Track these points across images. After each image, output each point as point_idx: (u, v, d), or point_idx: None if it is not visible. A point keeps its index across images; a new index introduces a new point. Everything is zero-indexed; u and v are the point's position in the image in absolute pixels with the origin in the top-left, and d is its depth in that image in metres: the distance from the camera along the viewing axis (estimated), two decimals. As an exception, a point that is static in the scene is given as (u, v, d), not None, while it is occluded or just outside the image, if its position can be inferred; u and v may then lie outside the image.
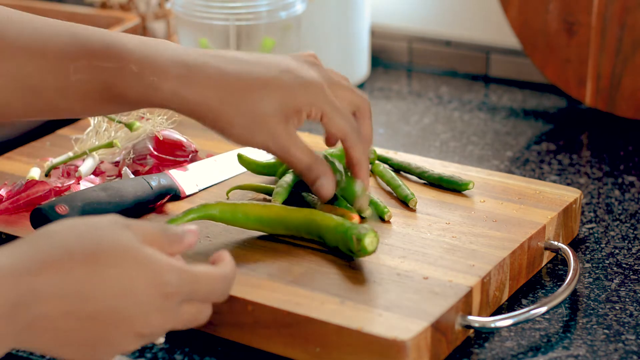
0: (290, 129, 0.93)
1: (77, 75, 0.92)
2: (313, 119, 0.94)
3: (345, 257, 0.95)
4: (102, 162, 1.10)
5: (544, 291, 0.99)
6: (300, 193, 1.03)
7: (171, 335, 0.91)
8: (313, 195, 1.04)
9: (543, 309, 0.91)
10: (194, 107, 0.92)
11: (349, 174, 0.98)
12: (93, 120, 1.11)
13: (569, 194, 1.05)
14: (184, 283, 0.76)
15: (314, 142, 1.17)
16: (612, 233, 1.09)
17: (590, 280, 1.00)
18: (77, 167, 1.09)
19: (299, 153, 0.94)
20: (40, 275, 0.72)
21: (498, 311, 0.95)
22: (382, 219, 1.01)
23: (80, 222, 0.76)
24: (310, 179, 0.95)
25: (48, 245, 0.74)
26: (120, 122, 1.10)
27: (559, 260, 1.03)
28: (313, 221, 0.96)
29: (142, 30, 1.53)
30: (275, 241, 0.98)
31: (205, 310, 0.80)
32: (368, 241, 0.91)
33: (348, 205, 1.02)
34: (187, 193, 1.06)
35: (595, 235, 1.08)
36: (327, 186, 0.95)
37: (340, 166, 0.98)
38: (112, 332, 0.74)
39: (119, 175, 1.08)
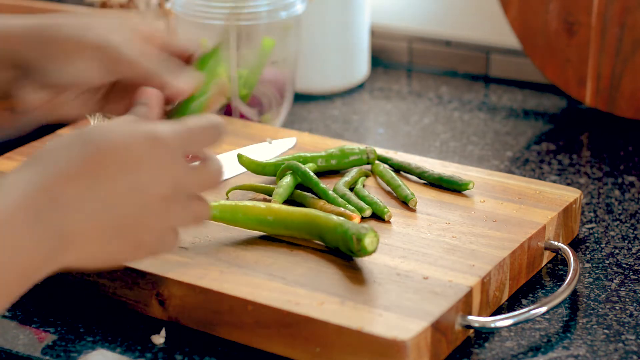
0: (118, 44, 0.91)
1: None
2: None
3: (345, 257, 0.95)
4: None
5: (544, 291, 0.99)
6: (300, 193, 1.03)
7: (171, 336, 0.92)
8: (313, 196, 1.04)
9: (543, 309, 0.91)
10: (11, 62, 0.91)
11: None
12: (93, 121, 1.11)
13: (569, 194, 1.05)
14: (176, 135, 0.80)
15: (314, 142, 1.17)
16: (612, 233, 1.09)
17: (590, 280, 1.00)
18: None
19: (145, 60, 0.92)
20: (60, 188, 0.75)
21: (498, 311, 0.95)
22: (382, 219, 1.01)
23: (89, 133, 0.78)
24: None
25: (55, 162, 0.76)
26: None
27: (559, 260, 1.03)
28: (313, 221, 0.96)
29: (142, 30, 1.53)
30: (275, 241, 0.98)
31: (215, 165, 0.83)
32: (368, 241, 0.91)
33: (348, 205, 1.02)
34: None
35: (595, 235, 1.08)
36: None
37: None
38: (144, 211, 0.78)
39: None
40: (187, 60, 0.95)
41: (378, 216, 1.02)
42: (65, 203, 0.75)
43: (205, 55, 0.93)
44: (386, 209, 1.01)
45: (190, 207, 0.81)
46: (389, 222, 1.01)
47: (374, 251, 0.92)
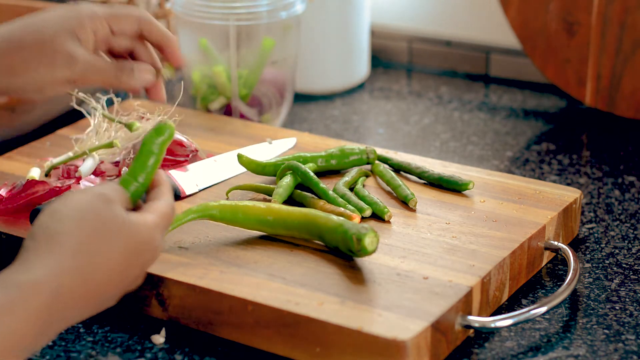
0: (82, 48, 0.96)
1: None
2: (100, 34, 0.98)
3: (345, 257, 0.95)
4: (102, 162, 1.10)
5: (544, 291, 0.99)
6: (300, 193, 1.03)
7: (171, 336, 0.92)
8: (313, 196, 1.04)
9: (543, 309, 0.91)
10: None
11: None
12: (93, 120, 1.11)
13: (569, 194, 1.05)
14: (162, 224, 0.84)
15: (314, 142, 1.17)
16: (612, 233, 1.09)
17: (590, 280, 1.00)
18: (77, 167, 1.09)
19: (100, 71, 0.97)
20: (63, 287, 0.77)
21: (498, 311, 0.95)
22: (382, 219, 1.01)
23: (65, 210, 0.80)
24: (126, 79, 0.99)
25: (51, 246, 0.78)
26: (120, 122, 1.10)
27: (559, 260, 1.03)
28: (313, 221, 0.96)
29: (142, 30, 1.53)
30: (275, 241, 0.98)
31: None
32: (368, 241, 0.91)
33: (348, 205, 1.02)
34: (187, 193, 1.07)
35: (595, 235, 1.08)
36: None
37: None
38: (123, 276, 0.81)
39: (119, 175, 1.08)
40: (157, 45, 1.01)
41: (378, 216, 1.02)
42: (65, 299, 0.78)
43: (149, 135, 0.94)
44: (386, 209, 1.01)
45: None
46: (389, 222, 1.01)
47: (374, 251, 0.92)
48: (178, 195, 1.05)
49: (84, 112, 1.18)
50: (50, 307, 0.76)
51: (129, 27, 0.99)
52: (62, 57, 0.95)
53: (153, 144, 0.87)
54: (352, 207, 1.01)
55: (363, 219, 1.01)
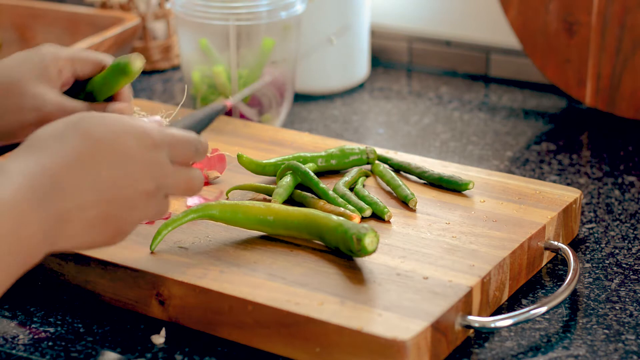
0: (49, 88, 0.97)
1: None
2: (63, 75, 0.98)
3: (345, 257, 0.95)
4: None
5: (544, 291, 0.99)
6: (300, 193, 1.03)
7: (171, 336, 0.92)
8: (313, 196, 1.04)
9: (543, 309, 0.91)
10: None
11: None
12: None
13: (569, 194, 1.05)
14: (164, 136, 0.85)
15: (314, 142, 1.17)
16: (612, 233, 1.09)
17: (590, 280, 1.00)
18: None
19: (72, 102, 0.98)
20: (60, 175, 0.79)
21: (498, 311, 0.95)
22: (382, 219, 1.01)
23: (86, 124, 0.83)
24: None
25: (54, 149, 0.80)
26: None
27: (559, 260, 1.03)
28: (313, 221, 0.96)
29: (142, 30, 1.53)
30: (275, 241, 0.98)
31: (195, 173, 0.87)
32: (368, 241, 0.91)
33: (348, 205, 1.02)
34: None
35: (595, 235, 1.08)
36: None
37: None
38: (129, 202, 0.82)
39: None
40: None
41: (378, 216, 1.02)
42: (64, 188, 0.79)
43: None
44: (386, 209, 1.01)
45: (163, 204, 0.86)
46: (389, 222, 1.01)
47: (374, 251, 0.92)
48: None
49: (84, 112, 1.18)
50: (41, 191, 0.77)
51: (91, 70, 1.00)
52: (30, 100, 0.96)
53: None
54: (352, 207, 1.01)
55: (363, 219, 1.01)
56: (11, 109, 0.95)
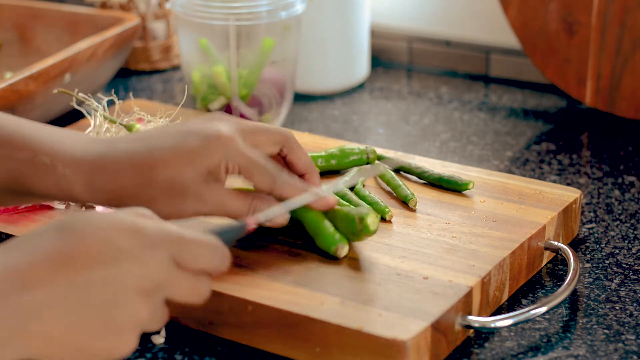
0: (215, 188, 0.91)
1: None
2: (232, 173, 0.92)
3: (345, 257, 0.95)
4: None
5: (544, 291, 0.99)
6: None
7: (171, 335, 0.92)
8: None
9: (543, 309, 0.91)
10: (110, 196, 0.90)
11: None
12: (94, 122, 1.11)
13: (569, 194, 1.05)
14: (166, 235, 0.76)
15: (314, 142, 1.17)
16: (612, 233, 1.09)
17: (590, 280, 1.00)
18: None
19: (234, 203, 0.92)
20: (27, 273, 0.72)
21: (498, 311, 0.95)
22: (383, 219, 1.01)
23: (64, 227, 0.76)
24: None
25: (31, 248, 0.74)
26: (121, 124, 1.10)
27: (559, 260, 1.03)
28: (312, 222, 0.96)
29: (142, 30, 1.53)
30: (275, 241, 0.98)
31: (203, 281, 0.78)
32: (370, 221, 0.92)
33: (351, 205, 1.02)
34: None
35: (595, 235, 1.08)
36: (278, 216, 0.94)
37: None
38: (116, 301, 0.74)
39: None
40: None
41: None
42: (33, 286, 0.72)
43: None
44: (387, 209, 1.01)
45: (159, 310, 0.77)
46: (389, 221, 1.01)
47: (375, 231, 0.92)
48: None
49: (84, 112, 1.18)
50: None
51: (270, 150, 0.94)
52: (191, 203, 0.90)
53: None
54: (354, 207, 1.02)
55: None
56: (171, 210, 0.90)
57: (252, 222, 0.86)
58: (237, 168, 0.91)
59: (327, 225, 0.94)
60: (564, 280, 0.96)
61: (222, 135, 0.91)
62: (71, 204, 1.03)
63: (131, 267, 0.74)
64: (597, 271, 1.02)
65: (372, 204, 1.02)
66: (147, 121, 1.11)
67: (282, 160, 0.97)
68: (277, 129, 0.95)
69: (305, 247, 0.96)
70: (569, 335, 0.92)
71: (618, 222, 1.11)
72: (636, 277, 1.01)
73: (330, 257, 0.95)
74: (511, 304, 0.96)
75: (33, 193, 0.92)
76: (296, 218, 0.96)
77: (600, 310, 0.96)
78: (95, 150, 0.91)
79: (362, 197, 1.04)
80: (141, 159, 0.90)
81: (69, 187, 0.90)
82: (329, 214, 0.95)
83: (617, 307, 0.96)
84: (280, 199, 0.93)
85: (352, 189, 1.07)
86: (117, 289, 0.74)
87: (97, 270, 0.73)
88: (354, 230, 0.93)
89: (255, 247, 0.97)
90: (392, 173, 1.08)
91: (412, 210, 1.03)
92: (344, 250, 0.93)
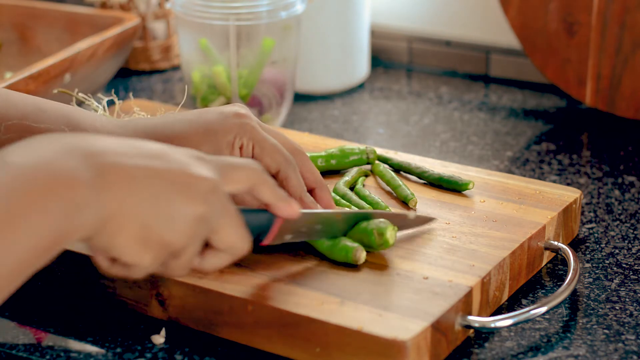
0: None
1: (7, 134, 0.93)
2: (245, 153, 0.93)
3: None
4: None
5: (544, 291, 0.99)
6: None
7: (171, 335, 0.92)
8: None
9: (543, 309, 0.91)
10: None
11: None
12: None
13: (569, 194, 1.05)
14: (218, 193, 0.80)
15: (314, 142, 1.17)
16: (612, 233, 1.09)
17: (590, 280, 1.00)
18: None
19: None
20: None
21: (498, 311, 0.95)
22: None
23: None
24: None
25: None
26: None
27: (559, 260, 1.03)
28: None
29: (142, 30, 1.53)
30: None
31: (222, 255, 0.82)
32: (389, 234, 0.92)
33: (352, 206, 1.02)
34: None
35: (595, 235, 1.08)
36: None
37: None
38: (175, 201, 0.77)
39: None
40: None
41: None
42: (108, 150, 0.76)
43: None
44: (388, 209, 1.01)
45: (196, 244, 0.80)
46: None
47: (393, 244, 0.92)
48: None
49: (84, 112, 1.18)
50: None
51: (272, 165, 0.95)
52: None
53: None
54: (355, 208, 1.02)
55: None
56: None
57: (285, 217, 0.88)
58: (251, 145, 0.94)
59: (340, 237, 0.94)
60: (564, 280, 0.96)
61: (239, 113, 0.95)
62: None
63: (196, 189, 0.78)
64: (597, 271, 1.02)
65: (372, 204, 1.02)
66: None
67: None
68: (293, 141, 0.98)
69: (305, 247, 0.96)
70: (569, 335, 0.92)
71: (618, 222, 1.11)
72: (636, 277, 1.01)
73: (349, 266, 0.94)
74: (511, 304, 0.96)
75: None
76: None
77: (600, 310, 0.96)
78: (114, 122, 0.95)
79: (363, 197, 1.04)
80: (158, 130, 0.93)
81: None
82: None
83: (617, 307, 0.96)
84: (285, 185, 0.94)
85: (352, 188, 1.07)
86: (181, 190, 0.77)
87: (175, 157, 0.78)
88: (373, 244, 0.93)
89: (255, 247, 0.97)
90: (392, 173, 1.08)
91: (412, 210, 1.03)
92: (363, 255, 0.93)
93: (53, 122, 0.94)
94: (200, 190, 0.78)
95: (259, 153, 0.94)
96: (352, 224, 0.95)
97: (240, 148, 0.94)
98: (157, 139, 0.92)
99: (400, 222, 0.97)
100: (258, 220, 0.88)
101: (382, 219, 0.94)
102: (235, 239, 0.82)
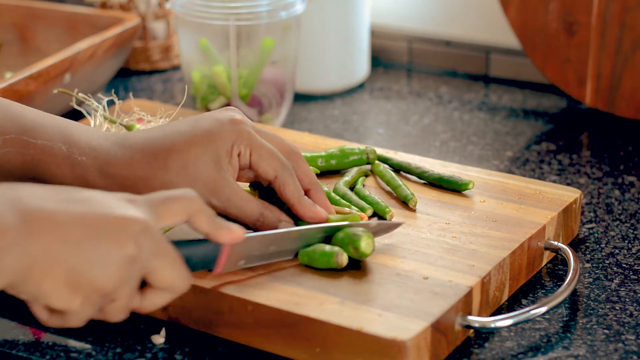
0: (227, 179, 0.92)
1: (5, 149, 0.93)
2: (243, 160, 0.93)
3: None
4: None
5: (544, 291, 0.99)
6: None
7: (171, 335, 0.92)
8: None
9: (543, 309, 0.91)
10: (124, 181, 0.92)
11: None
12: (94, 122, 1.11)
13: (569, 194, 1.05)
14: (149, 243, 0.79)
15: (314, 142, 1.17)
16: (612, 233, 1.09)
17: (590, 280, 1.00)
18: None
19: (244, 203, 0.93)
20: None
21: (498, 311, 0.95)
22: (384, 219, 1.01)
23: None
24: (268, 228, 0.94)
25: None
26: (121, 124, 1.10)
27: (559, 260, 1.03)
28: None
29: (142, 30, 1.53)
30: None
31: (163, 294, 0.82)
32: (364, 245, 0.92)
33: (352, 206, 1.02)
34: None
35: (595, 235, 1.08)
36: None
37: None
38: (100, 250, 0.77)
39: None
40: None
41: (380, 216, 1.02)
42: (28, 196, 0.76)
43: None
44: (388, 209, 1.01)
45: (131, 286, 0.79)
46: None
47: (372, 251, 0.92)
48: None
49: (84, 112, 1.18)
50: None
51: (269, 172, 0.95)
52: (204, 185, 0.92)
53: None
54: (356, 208, 1.01)
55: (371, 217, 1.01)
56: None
57: (228, 244, 0.87)
58: (248, 152, 0.93)
59: (317, 244, 0.94)
60: (564, 280, 0.96)
61: (235, 119, 0.94)
62: None
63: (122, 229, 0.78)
64: (597, 271, 1.02)
65: (372, 204, 1.02)
66: (147, 121, 1.11)
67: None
68: (288, 142, 0.97)
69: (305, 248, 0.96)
70: (569, 335, 0.92)
71: (618, 222, 1.11)
72: (636, 277, 1.01)
73: (349, 267, 0.94)
74: (511, 304, 0.96)
75: (49, 180, 0.94)
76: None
77: (600, 310, 0.96)
78: (111, 139, 0.94)
79: (363, 197, 1.04)
80: (157, 144, 0.92)
81: (84, 173, 0.93)
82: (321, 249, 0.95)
83: (617, 307, 0.96)
84: (282, 191, 0.94)
85: (352, 189, 1.07)
86: (106, 238, 0.77)
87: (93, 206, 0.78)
88: (351, 256, 0.93)
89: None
90: (392, 173, 1.08)
91: (412, 210, 1.03)
92: (344, 257, 0.93)
93: (50, 138, 0.94)
94: (128, 232, 0.77)
95: (257, 160, 0.94)
96: (308, 240, 0.94)
97: (238, 155, 0.93)
98: (156, 156, 0.92)
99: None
100: (204, 250, 0.86)
101: (357, 229, 0.93)
102: (173, 278, 0.81)
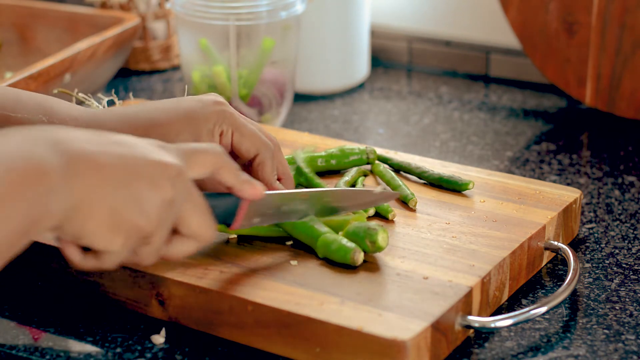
0: None
1: None
2: (225, 139, 0.94)
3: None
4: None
5: (544, 291, 0.99)
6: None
7: (171, 335, 0.92)
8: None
9: (543, 309, 0.91)
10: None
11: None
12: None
13: (569, 194, 1.05)
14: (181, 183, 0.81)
15: (314, 142, 1.17)
16: (612, 233, 1.09)
17: (590, 280, 1.00)
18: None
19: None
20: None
21: (498, 311, 0.95)
22: (385, 218, 1.01)
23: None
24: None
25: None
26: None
27: (559, 260, 1.03)
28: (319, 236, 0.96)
29: (142, 30, 1.53)
30: (276, 241, 0.98)
31: (189, 242, 0.84)
32: (380, 239, 0.92)
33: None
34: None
35: (595, 235, 1.08)
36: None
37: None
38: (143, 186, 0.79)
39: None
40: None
41: (380, 216, 1.02)
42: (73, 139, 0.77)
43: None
44: (390, 209, 1.01)
45: (164, 228, 0.81)
46: (392, 221, 1.01)
47: (387, 246, 0.93)
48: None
49: (84, 112, 1.18)
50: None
51: (251, 150, 0.96)
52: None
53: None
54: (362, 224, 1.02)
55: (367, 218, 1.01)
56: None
57: (250, 199, 0.88)
58: (230, 132, 0.95)
59: (337, 237, 0.94)
60: (564, 280, 0.96)
61: (217, 100, 0.96)
62: None
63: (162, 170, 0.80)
64: (597, 271, 1.02)
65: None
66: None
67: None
68: (268, 132, 0.99)
69: (305, 248, 0.96)
70: (569, 335, 0.92)
71: (618, 222, 1.11)
72: (636, 277, 1.01)
73: (349, 266, 0.94)
74: (511, 304, 0.96)
75: None
76: (289, 234, 0.97)
77: (600, 310, 0.96)
78: (91, 112, 0.96)
79: (362, 197, 1.04)
80: (139, 116, 0.94)
81: None
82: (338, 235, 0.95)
83: (617, 307, 0.96)
84: (259, 169, 0.96)
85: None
86: (147, 174, 0.79)
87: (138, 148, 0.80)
88: (366, 250, 0.93)
89: (255, 247, 0.97)
90: (392, 173, 1.08)
91: (412, 210, 1.03)
92: (361, 256, 0.93)
93: (30, 111, 0.95)
94: (166, 176, 0.80)
95: (239, 138, 0.95)
96: (319, 203, 0.95)
97: (220, 135, 0.95)
98: (136, 127, 0.93)
99: (367, 199, 0.98)
100: (224, 204, 0.89)
101: (371, 224, 0.93)
102: (200, 225, 0.83)
